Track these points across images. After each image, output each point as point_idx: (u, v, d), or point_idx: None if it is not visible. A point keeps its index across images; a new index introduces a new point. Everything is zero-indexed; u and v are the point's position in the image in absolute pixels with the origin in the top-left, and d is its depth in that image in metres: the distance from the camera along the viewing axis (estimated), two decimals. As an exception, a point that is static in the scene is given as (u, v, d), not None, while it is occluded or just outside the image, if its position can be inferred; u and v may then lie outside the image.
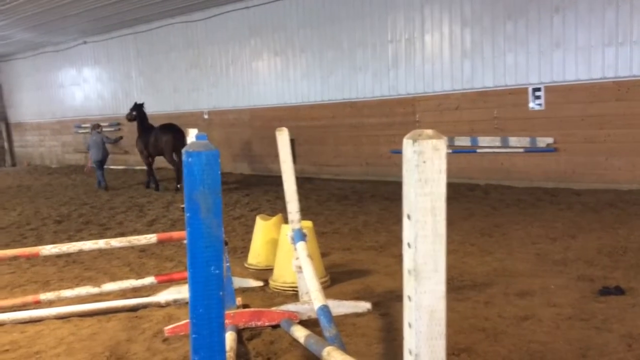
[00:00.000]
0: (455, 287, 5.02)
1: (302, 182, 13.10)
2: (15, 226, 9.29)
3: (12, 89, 25.39)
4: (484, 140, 11.53)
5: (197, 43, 17.14)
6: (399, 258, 6.17)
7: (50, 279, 5.90)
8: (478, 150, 11.58)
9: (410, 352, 1.64)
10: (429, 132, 1.59)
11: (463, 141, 11.78)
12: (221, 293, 1.54)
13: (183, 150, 1.62)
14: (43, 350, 3.93)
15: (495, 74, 11.31)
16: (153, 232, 7.91)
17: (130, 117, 14.05)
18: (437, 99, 12.18)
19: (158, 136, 13.07)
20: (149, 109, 18.84)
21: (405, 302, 1.65)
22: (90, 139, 14.60)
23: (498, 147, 11.33)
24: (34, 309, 4.69)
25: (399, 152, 12.30)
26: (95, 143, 14.28)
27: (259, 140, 15.86)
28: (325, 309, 3.50)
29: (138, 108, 13.82)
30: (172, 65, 18.04)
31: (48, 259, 6.61)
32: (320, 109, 14.38)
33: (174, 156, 13.01)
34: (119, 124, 19.76)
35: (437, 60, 12.10)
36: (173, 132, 12.96)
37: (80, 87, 21.82)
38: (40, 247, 4.45)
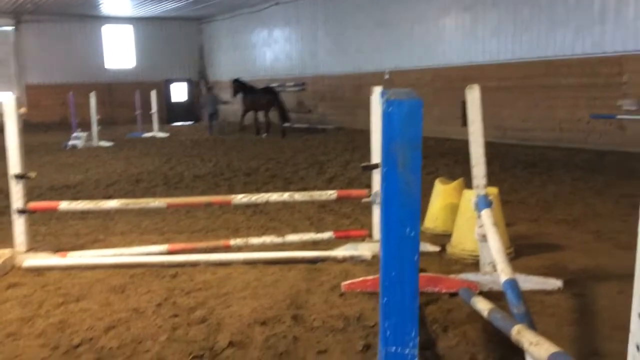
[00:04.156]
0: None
1: (485, 146, 12.43)
2: (210, 175, 10.13)
3: (211, 49, 27.65)
4: None
5: (384, 1, 16.94)
6: (597, 234, 5.54)
7: (239, 227, 6.31)
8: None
9: (638, 348, 1.38)
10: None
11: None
12: (416, 257, 1.40)
13: (383, 99, 1.47)
14: (231, 292, 4.18)
15: None
16: (332, 189, 8.07)
17: (234, 94, 18.68)
18: (652, 58, 10.65)
19: (260, 96, 17.36)
20: (333, 70, 19.43)
21: (636, 290, 1.37)
22: (207, 97, 19.46)
23: None
24: (224, 252, 5.04)
25: (600, 117, 11.05)
26: (210, 100, 19.14)
27: (440, 101, 15.35)
28: (513, 283, 3.22)
29: (237, 81, 18.54)
30: (358, 26, 18.10)
31: (238, 207, 7.07)
32: (510, 69, 13.43)
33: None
34: (303, 83, 20.52)
35: (654, 12, 10.52)
36: (271, 94, 17.21)
37: (271, 48, 22.98)
38: (232, 196, 4.74)
